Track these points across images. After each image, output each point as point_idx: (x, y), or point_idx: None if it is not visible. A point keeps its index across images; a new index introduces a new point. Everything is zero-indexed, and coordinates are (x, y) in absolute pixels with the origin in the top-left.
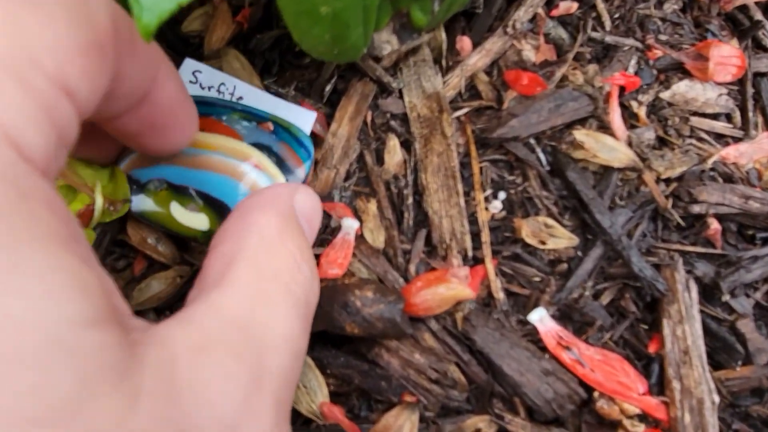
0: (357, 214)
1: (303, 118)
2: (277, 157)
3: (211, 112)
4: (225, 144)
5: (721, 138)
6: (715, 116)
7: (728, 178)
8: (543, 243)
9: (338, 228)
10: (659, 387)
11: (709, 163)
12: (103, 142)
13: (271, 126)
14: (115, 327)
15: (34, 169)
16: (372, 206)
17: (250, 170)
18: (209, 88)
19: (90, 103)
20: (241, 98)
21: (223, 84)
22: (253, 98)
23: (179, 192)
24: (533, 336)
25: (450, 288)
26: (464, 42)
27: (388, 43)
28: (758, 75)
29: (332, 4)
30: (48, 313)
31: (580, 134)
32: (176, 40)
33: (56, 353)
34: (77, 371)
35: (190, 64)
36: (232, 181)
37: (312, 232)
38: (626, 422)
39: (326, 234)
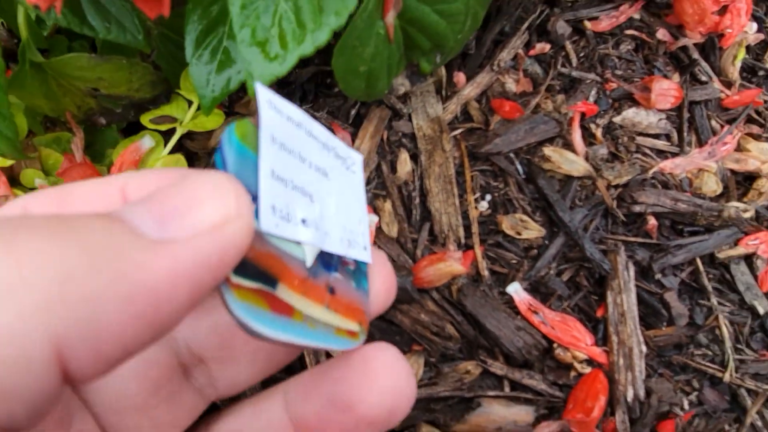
0: (376, 211)
1: (353, 157)
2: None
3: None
4: (315, 312)
5: (661, 153)
6: (656, 136)
7: (665, 185)
8: (519, 234)
9: None
10: (603, 341)
11: (650, 173)
12: None
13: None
14: None
15: None
16: (388, 205)
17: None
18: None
19: None
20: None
21: (290, 118)
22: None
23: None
24: (510, 303)
25: (447, 265)
26: (460, 77)
27: (402, 85)
28: (693, 103)
29: (368, 65)
30: None
31: (548, 150)
32: None
33: None
34: None
35: (263, 93)
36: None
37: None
38: (577, 365)
39: None
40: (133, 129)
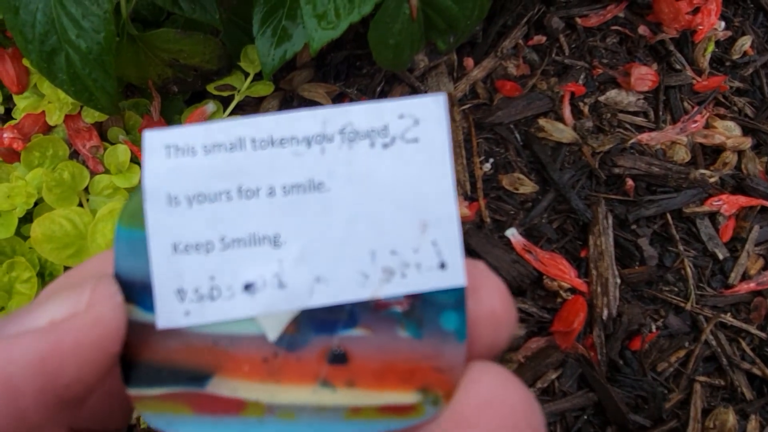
0: None
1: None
2: None
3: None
4: None
5: (640, 128)
6: (635, 113)
7: (642, 153)
8: (516, 189)
9: None
10: (585, 275)
11: (629, 143)
12: None
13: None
14: None
15: None
16: None
17: None
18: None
19: None
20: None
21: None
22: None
23: None
24: (508, 245)
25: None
26: (469, 61)
27: (422, 60)
28: (669, 87)
29: (395, 39)
30: None
31: (542, 121)
32: None
33: None
34: None
35: (152, 136)
36: None
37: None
38: (562, 293)
39: None
40: (195, 100)
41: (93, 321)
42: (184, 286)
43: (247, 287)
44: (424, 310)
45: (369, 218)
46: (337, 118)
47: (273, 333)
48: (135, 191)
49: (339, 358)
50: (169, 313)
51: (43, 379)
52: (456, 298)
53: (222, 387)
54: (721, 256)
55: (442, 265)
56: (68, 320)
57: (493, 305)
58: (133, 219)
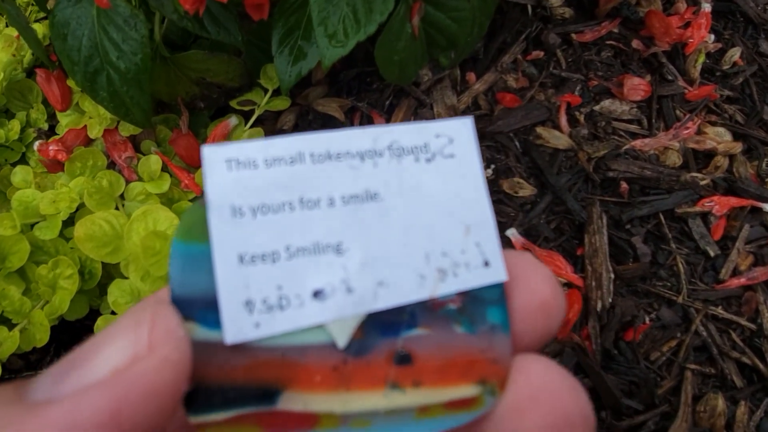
0: None
1: (449, 131)
2: None
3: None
4: None
5: (634, 135)
6: (629, 121)
7: (636, 158)
8: (516, 193)
9: None
10: (581, 272)
11: (623, 149)
12: None
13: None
14: None
15: None
16: None
17: None
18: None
19: None
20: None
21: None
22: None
23: None
24: (509, 244)
25: None
26: (471, 76)
27: (426, 74)
28: (661, 97)
29: (400, 56)
30: None
31: (540, 129)
32: None
33: None
34: None
35: (212, 152)
36: None
37: None
38: None
39: None
40: (218, 115)
41: (159, 364)
42: (252, 298)
43: (316, 294)
44: (474, 306)
45: (420, 224)
46: (384, 135)
47: (342, 339)
48: (191, 207)
49: (405, 359)
50: (237, 326)
51: None
52: (499, 294)
53: (294, 402)
54: (712, 254)
55: (486, 264)
56: (132, 367)
57: (544, 294)
58: (191, 233)
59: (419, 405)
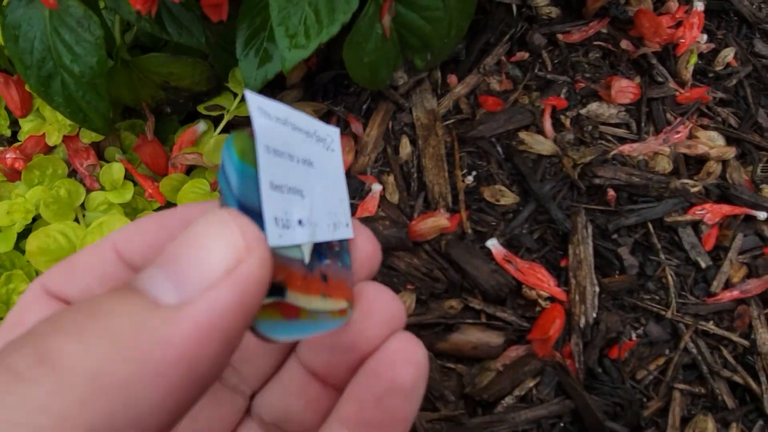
0: (381, 183)
1: (330, 134)
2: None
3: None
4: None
5: (622, 140)
6: (618, 125)
7: (624, 164)
8: (497, 201)
9: (370, 190)
10: (565, 284)
11: (611, 154)
12: None
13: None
14: None
15: None
16: (391, 179)
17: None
18: (276, 118)
19: None
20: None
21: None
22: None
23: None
24: (489, 255)
25: (435, 221)
26: (452, 78)
27: (401, 77)
28: (651, 99)
29: (370, 57)
30: None
31: (523, 134)
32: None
33: None
34: None
35: (253, 99)
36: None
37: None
38: (541, 301)
39: (363, 194)
40: (189, 120)
41: (259, 264)
42: (278, 216)
43: (299, 222)
44: (342, 250)
45: (327, 190)
46: (314, 125)
47: (307, 258)
48: (238, 134)
49: (324, 278)
50: (272, 235)
51: (245, 324)
52: (347, 244)
53: (291, 297)
54: (703, 265)
55: (347, 225)
56: (239, 267)
57: (368, 249)
58: (244, 155)
59: (332, 310)
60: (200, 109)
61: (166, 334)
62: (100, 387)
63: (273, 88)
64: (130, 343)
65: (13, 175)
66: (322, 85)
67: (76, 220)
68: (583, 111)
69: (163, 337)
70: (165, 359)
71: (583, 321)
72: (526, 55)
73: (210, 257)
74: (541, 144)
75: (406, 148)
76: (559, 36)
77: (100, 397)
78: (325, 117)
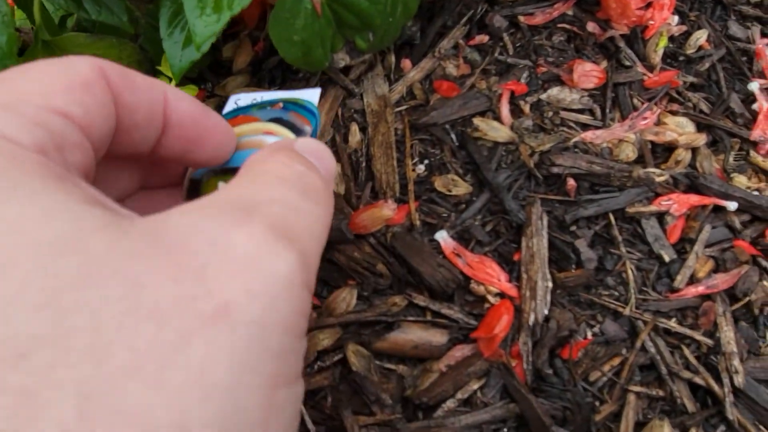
0: None
1: (310, 94)
2: (288, 123)
3: (238, 113)
4: (250, 128)
5: (586, 127)
6: (580, 111)
7: (586, 152)
8: (449, 191)
9: None
10: (517, 280)
11: (572, 142)
12: (166, 172)
13: (281, 105)
14: (109, 205)
15: (24, 150)
16: (338, 168)
17: (268, 138)
18: (244, 105)
19: (92, 120)
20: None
21: (254, 99)
22: (272, 95)
23: (224, 173)
24: (438, 249)
25: (378, 211)
26: (406, 63)
27: (342, 59)
28: (618, 84)
29: (300, 35)
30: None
31: (477, 121)
32: (215, 63)
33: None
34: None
35: (232, 98)
36: (256, 150)
37: (323, 164)
38: (490, 298)
39: None
40: None
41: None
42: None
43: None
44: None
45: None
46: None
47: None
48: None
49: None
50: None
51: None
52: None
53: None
54: (667, 258)
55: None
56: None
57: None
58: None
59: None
60: None
61: (330, 196)
62: (316, 245)
63: (217, 75)
64: (325, 202)
65: None
66: (269, 71)
67: None
68: (543, 96)
69: (330, 197)
70: (330, 213)
71: (532, 318)
72: (486, 38)
73: (324, 151)
74: (497, 130)
75: (355, 136)
76: (522, 18)
77: (313, 249)
78: None
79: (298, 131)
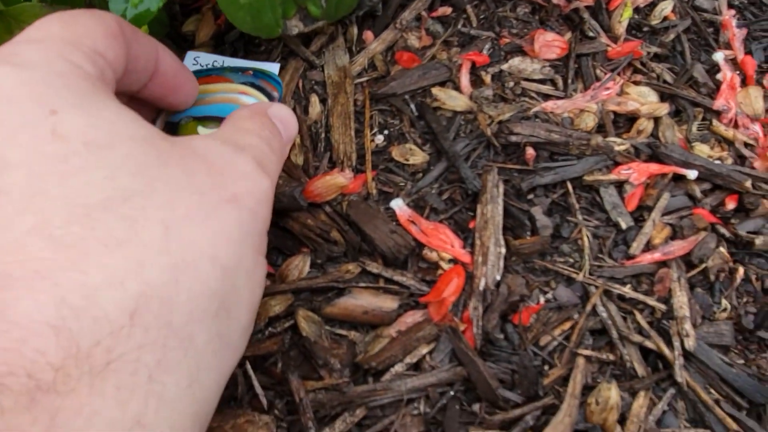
0: None
1: (271, 67)
2: (259, 87)
3: (211, 73)
4: (225, 87)
5: (547, 97)
6: (542, 81)
7: (546, 122)
8: (407, 160)
9: None
10: (472, 247)
11: (532, 111)
12: (143, 110)
13: (251, 72)
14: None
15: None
16: (297, 139)
17: (243, 97)
18: (206, 65)
19: (117, 64)
20: (225, 63)
21: (215, 60)
22: (235, 63)
23: (202, 120)
24: (394, 217)
25: (332, 179)
26: (368, 35)
27: (296, 26)
28: (581, 55)
29: None
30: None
31: (436, 90)
32: (177, 36)
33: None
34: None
35: (191, 54)
36: (234, 106)
37: (288, 131)
38: (443, 264)
39: None
40: None
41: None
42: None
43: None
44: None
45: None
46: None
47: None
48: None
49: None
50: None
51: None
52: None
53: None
54: (624, 226)
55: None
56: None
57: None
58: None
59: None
60: None
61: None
62: (275, 171)
63: (182, 47)
64: (283, 152)
65: None
66: (231, 43)
67: None
68: (504, 67)
69: (286, 151)
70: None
71: (483, 283)
72: (449, 10)
73: (290, 118)
74: (455, 99)
75: (315, 107)
76: None
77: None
78: None
79: (269, 96)
